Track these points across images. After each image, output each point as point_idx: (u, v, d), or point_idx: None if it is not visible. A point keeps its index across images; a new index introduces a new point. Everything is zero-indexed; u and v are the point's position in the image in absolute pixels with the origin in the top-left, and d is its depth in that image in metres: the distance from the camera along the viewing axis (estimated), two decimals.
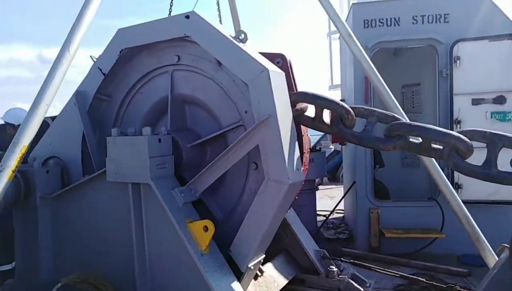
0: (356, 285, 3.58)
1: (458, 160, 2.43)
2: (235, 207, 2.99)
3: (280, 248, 3.96)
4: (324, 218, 7.67)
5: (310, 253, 3.81)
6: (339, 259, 3.87)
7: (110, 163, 2.85)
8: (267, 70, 2.58)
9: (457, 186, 5.58)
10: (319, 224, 7.53)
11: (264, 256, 3.00)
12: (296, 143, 2.77)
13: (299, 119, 3.04)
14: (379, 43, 5.99)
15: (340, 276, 3.71)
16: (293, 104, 2.92)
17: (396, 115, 2.77)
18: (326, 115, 3.04)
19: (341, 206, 7.99)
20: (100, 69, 3.33)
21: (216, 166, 2.79)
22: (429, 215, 5.90)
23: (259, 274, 3.26)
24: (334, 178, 13.46)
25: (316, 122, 3.00)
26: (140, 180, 2.74)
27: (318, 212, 8.68)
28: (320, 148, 7.44)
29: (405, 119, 3.08)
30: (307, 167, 3.46)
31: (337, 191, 10.90)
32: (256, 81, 2.62)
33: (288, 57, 3.15)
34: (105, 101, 3.50)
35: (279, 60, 3.09)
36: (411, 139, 2.69)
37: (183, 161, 3.01)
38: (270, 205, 2.62)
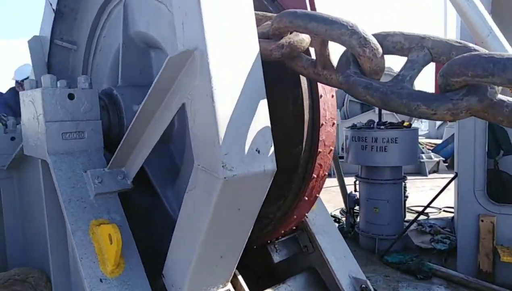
0: None
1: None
2: None
3: (306, 265, 2.75)
4: (425, 217, 5.90)
5: (342, 281, 2.50)
6: None
7: (22, 128, 2.07)
8: None
9: None
10: (413, 227, 5.82)
11: (228, 287, 1.88)
12: (262, 106, 1.53)
13: (291, 64, 1.77)
14: None
15: None
16: (276, 35, 1.67)
17: (470, 45, 1.26)
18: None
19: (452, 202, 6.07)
20: (51, 4, 2.57)
21: (135, 133, 1.75)
22: None
23: None
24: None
25: (318, 70, 1.68)
26: (38, 154, 1.89)
27: (412, 209, 6.88)
28: (410, 124, 5.55)
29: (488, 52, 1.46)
30: (326, 162, 2.17)
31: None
32: None
33: None
34: (71, 51, 2.76)
35: None
36: (499, 97, 1.19)
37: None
38: (203, 208, 1.48)
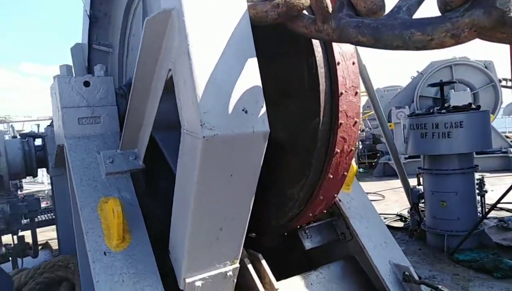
0: None
1: None
2: None
3: (344, 254, 2.54)
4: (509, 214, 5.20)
5: (380, 268, 2.24)
6: (434, 287, 2.09)
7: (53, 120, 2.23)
8: None
9: None
10: (489, 223, 5.14)
11: (237, 265, 1.78)
12: (250, 65, 1.43)
13: (292, 26, 1.64)
14: None
15: None
16: None
17: None
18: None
19: None
20: (86, 11, 2.75)
21: (134, 111, 1.75)
22: None
23: None
24: None
25: (319, 26, 1.53)
26: (61, 140, 1.99)
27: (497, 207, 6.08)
28: (479, 106, 4.86)
29: None
30: (350, 136, 1.99)
31: None
32: None
33: None
34: (108, 54, 2.93)
35: None
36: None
37: None
38: (189, 172, 1.42)
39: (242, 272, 2.19)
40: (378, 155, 14.40)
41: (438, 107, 4.92)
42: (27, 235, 5.40)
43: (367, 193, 9.96)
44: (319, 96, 1.94)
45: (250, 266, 2.12)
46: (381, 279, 2.21)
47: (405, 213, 7.18)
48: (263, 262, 2.18)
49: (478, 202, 5.83)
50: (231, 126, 1.33)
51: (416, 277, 2.18)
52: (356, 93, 2.05)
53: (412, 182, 5.83)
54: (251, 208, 1.59)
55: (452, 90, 11.09)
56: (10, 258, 3.26)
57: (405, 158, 10.22)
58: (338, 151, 2.06)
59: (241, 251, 1.74)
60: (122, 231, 1.64)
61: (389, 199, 9.24)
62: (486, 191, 5.77)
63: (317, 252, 2.58)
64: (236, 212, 1.55)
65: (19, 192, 4.97)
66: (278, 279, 2.18)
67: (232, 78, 1.36)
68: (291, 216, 2.29)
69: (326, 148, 2.05)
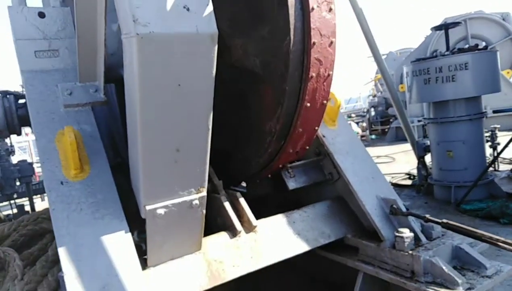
0: (445, 268, 1.73)
1: None
2: None
3: (333, 195, 2.42)
4: None
5: (366, 203, 2.12)
6: (433, 220, 1.94)
7: None
8: None
9: None
10: (500, 174, 4.93)
11: (204, 194, 1.67)
12: None
13: None
14: None
15: (420, 248, 1.90)
16: None
17: None
18: None
19: None
20: None
21: (83, 39, 1.64)
22: None
23: (240, 229, 1.95)
24: None
25: None
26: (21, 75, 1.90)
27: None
28: (487, 46, 4.52)
29: None
30: (327, 58, 1.84)
31: None
32: None
33: None
34: None
35: None
36: None
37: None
38: (131, 81, 1.31)
39: (220, 211, 2.11)
40: (390, 120, 14.00)
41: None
42: (27, 204, 5.48)
43: (377, 156, 9.70)
44: (287, 12, 1.78)
45: (227, 204, 2.03)
46: (367, 214, 2.09)
47: (414, 172, 6.99)
48: (242, 200, 2.08)
49: (491, 156, 5.60)
50: (170, 24, 1.19)
51: (404, 210, 2.05)
52: (331, 9, 1.88)
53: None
54: (210, 127, 1.47)
55: (467, 46, 10.57)
56: None
57: (419, 121, 9.89)
58: (314, 75, 1.91)
59: (206, 178, 1.63)
60: (79, 160, 1.56)
61: (399, 160, 9.02)
62: (498, 143, 5.54)
63: (304, 194, 2.47)
64: (193, 130, 1.43)
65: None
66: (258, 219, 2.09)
67: None
68: (271, 153, 2.18)
69: (300, 72, 1.90)
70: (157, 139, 1.39)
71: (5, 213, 4.85)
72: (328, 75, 1.97)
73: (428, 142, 5.09)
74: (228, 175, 2.37)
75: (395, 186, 6.12)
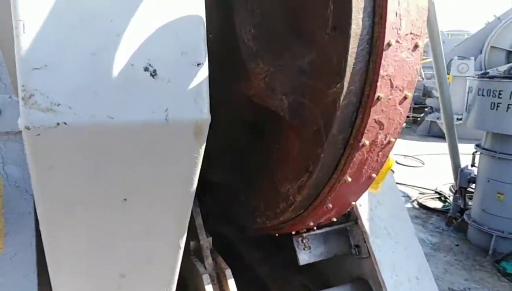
0: None
1: None
2: None
3: (355, 274, 1.82)
4: None
5: None
6: None
7: None
8: None
9: None
10: None
11: None
12: None
13: None
14: None
15: None
16: None
17: None
18: None
19: None
20: None
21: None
22: None
23: None
24: None
25: None
26: None
27: None
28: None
29: None
30: (392, 120, 1.19)
31: None
32: None
33: None
34: None
35: None
36: None
37: None
38: None
39: None
40: (426, 109, 12.68)
41: None
42: None
43: (404, 155, 8.69)
44: (347, 44, 1.08)
45: (209, 288, 1.46)
46: None
47: (446, 190, 6.23)
48: (231, 282, 1.50)
49: None
50: None
51: None
52: (416, 46, 1.16)
53: (464, 160, 4.79)
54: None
55: None
56: None
57: (458, 119, 8.78)
58: (367, 142, 1.23)
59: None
60: None
61: (430, 165, 8.14)
62: None
63: (321, 267, 1.88)
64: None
65: None
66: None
67: None
68: (283, 220, 1.57)
69: (347, 136, 1.23)
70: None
71: None
72: (389, 142, 1.29)
73: (474, 172, 4.33)
74: (229, 215, 1.83)
75: (422, 207, 5.43)
